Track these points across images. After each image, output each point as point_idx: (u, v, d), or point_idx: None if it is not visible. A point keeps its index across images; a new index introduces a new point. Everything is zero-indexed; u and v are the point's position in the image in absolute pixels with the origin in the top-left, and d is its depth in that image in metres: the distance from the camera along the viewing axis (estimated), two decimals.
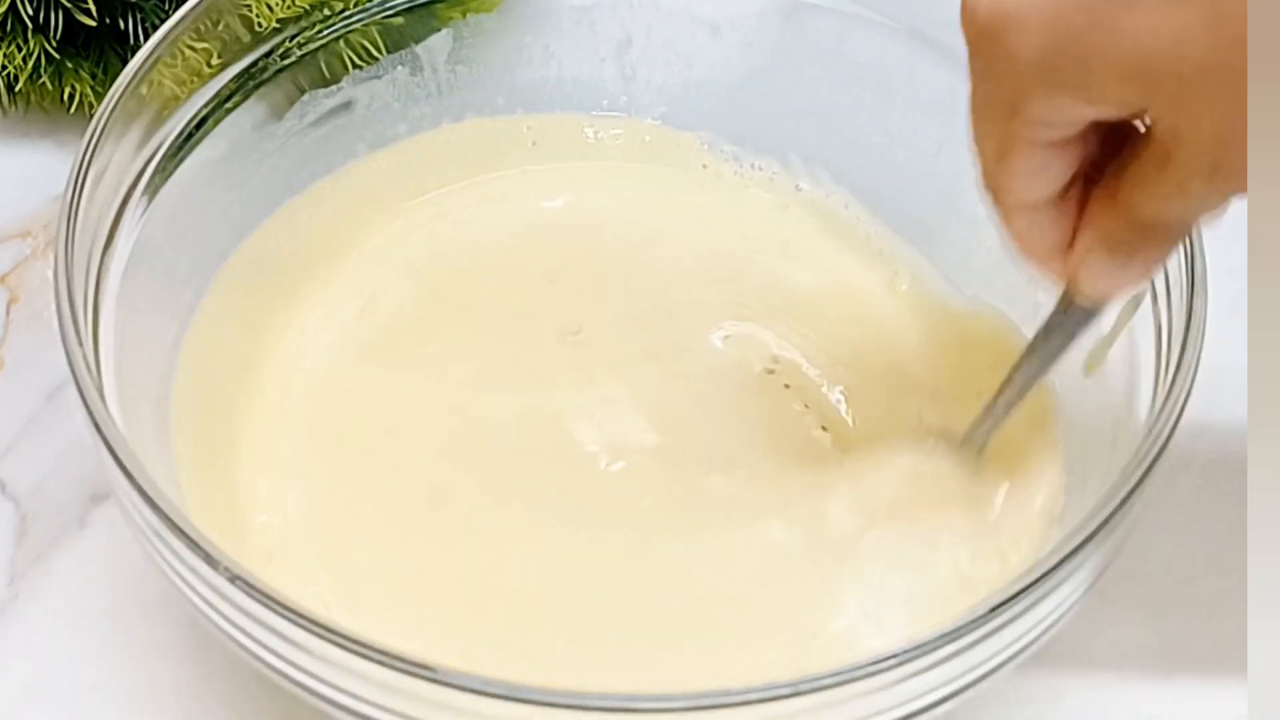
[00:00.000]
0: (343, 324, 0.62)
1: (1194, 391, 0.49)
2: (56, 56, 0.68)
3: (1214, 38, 0.41)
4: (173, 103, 0.57)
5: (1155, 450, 0.47)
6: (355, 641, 0.43)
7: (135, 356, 0.53)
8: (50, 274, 0.50)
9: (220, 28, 0.58)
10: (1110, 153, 0.47)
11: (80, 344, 0.49)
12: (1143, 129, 0.45)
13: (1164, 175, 0.44)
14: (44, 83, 0.69)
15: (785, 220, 0.65)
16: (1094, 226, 0.48)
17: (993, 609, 0.44)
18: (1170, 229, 0.47)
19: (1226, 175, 0.43)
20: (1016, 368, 0.54)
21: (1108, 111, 0.44)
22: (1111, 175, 0.47)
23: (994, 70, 0.45)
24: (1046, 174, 0.47)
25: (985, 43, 0.44)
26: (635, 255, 0.64)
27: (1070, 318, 0.51)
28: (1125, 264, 0.48)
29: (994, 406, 0.55)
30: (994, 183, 0.48)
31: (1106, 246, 0.48)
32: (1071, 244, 0.49)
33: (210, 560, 0.45)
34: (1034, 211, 0.48)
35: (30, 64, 0.68)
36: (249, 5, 0.59)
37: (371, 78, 0.63)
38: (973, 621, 0.44)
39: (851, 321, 0.62)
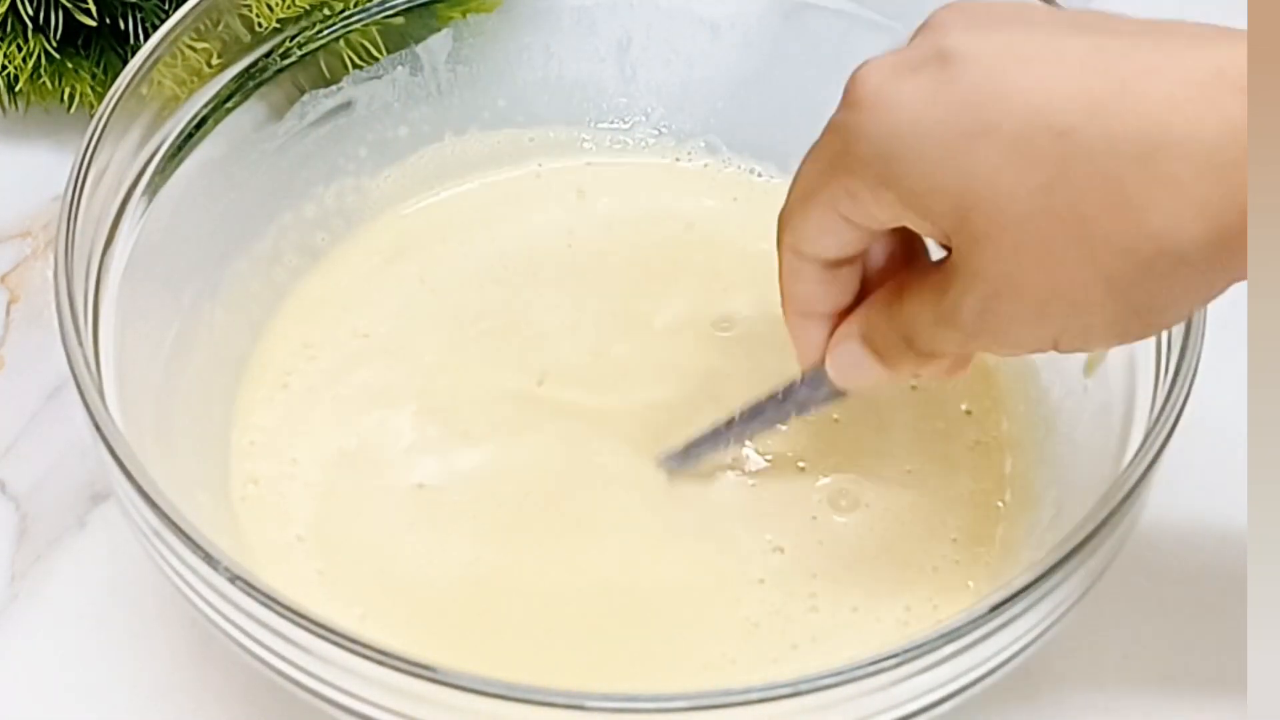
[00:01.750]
0: (343, 323, 0.62)
1: (1194, 391, 0.49)
2: (56, 56, 0.68)
3: (1042, 202, 0.42)
4: (173, 103, 0.57)
5: (1155, 450, 0.47)
6: (355, 641, 0.43)
7: (135, 356, 0.53)
8: (50, 274, 0.50)
9: (220, 28, 0.58)
10: (907, 259, 0.50)
11: (80, 344, 0.49)
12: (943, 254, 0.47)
13: (938, 299, 0.46)
14: (44, 83, 0.69)
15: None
16: (862, 316, 0.50)
17: (992, 609, 0.44)
18: (925, 352, 0.48)
19: (987, 325, 0.45)
20: (743, 415, 0.55)
21: (918, 224, 0.46)
22: (901, 278, 0.49)
23: (847, 133, 0.46)
24: (835, 237, 0.48)
25: (853, 108, 0.45)
26: (635, 258, 0.64)
27: (809, 388, 0.53)
28: (874, 363, 0.50)
29: (700, 441, 0.56)
30: (785, 216, 0.49)
31: (864, 338, 0.50)
32: (835, 321, 0.50)
33: (210, 560, 0.45)
34: (807, 265, 0.49)
35: (30, 64, 0.68)
36: (249, 5, 0.59)
37: (371, 78, 0.63)
38: (972, 621, 0.44)
39: None
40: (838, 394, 0.52)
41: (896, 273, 0.49)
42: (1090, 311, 0.44)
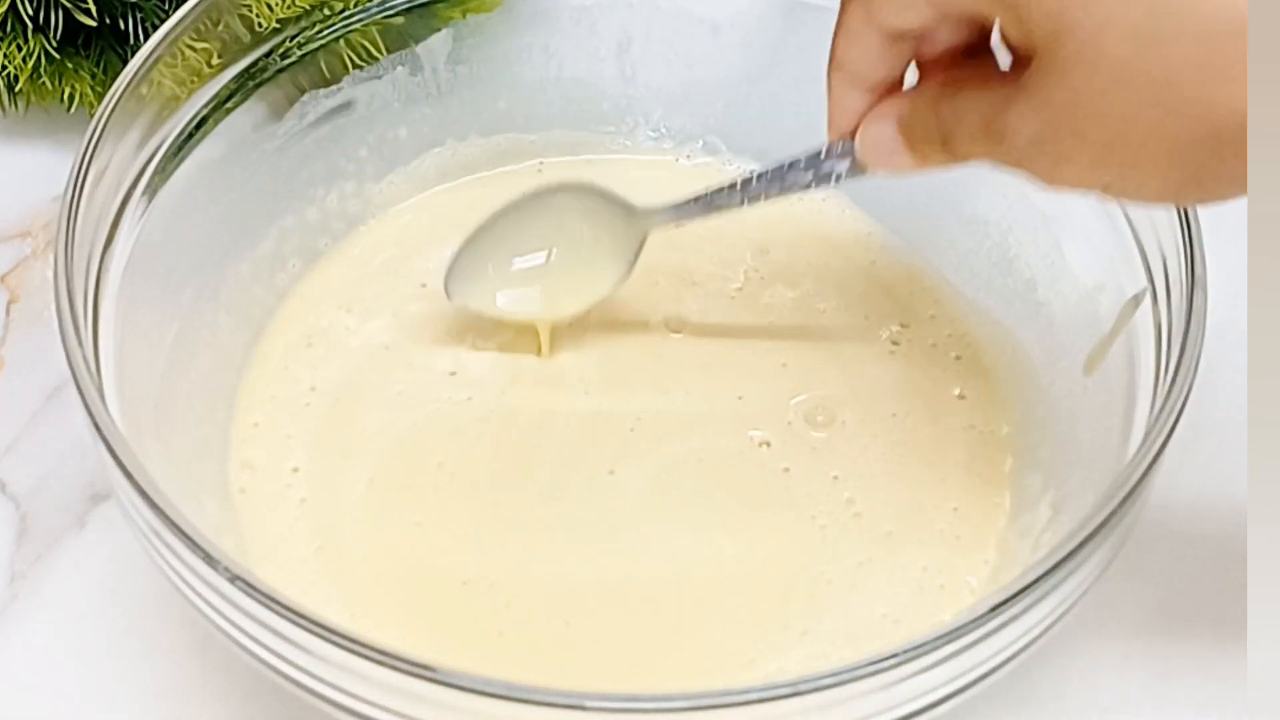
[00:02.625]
0: (344, 324, 0.62)
1: (1194, 391, 0.49)
2: (56, 56, 0.68)
3: (1132, 51, 0.41)
4: (173, 103, 0.57)
5: (1155, 450, 0.47)
6: (355, 641, 0.43)
7: (135, 356, 0.53)
8: (50, 274, 0.50)
9: (220, 28, 0.58)
10: (968, 55, 0.48)
11: (80, 344, 0.49)
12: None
13: (994, 113, 0.45)
14: (44, 83, 0.69)
15: (784, 223, 0.65)
16: (907, 102, 0.49)
17: (992, 609, 0.44)
18: (958, 156, 0.47)
19: (1038, 156, 0.44)
20: (759, 176, 0.55)
21: (1011, 19, 0.44)
22: (958, 75, 0.47)
23: None
24: (916, 12, 0.47)
25: None
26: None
27: (829, 162, 0.52)
28: (904, 152, 0.49)
29: (704, 197, 0.56)
30: None
31: (902, 124, 0.49)
32: (875, 95, 0.50)
33: (210, 560, 0.45)
34: (870, 31, 0.48)
35: (30, 64, 0.68)
36: (249, 5, 0.59)
37: (371, 78, 0.63)
38: (973, 621, 0.44)
39: (849, 326, 0.62)
40: (857, 170, 0.51)
41: (952, 67, 0.48)
42: (1148, 170, 0.43)
